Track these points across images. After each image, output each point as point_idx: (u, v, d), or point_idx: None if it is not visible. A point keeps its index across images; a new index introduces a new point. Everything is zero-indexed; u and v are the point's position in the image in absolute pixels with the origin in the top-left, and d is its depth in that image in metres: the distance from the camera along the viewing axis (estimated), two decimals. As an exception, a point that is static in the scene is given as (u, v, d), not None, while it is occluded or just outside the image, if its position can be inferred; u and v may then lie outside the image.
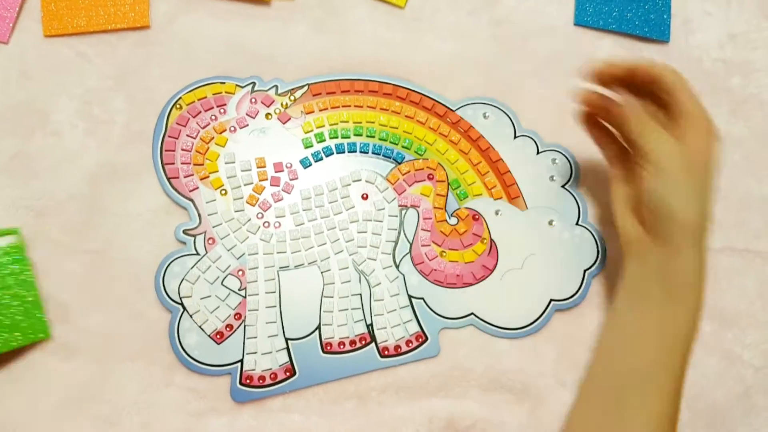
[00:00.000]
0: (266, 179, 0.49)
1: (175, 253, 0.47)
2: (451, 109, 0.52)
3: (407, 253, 0.49)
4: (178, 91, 0.50)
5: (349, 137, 0.51)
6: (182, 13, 0.52)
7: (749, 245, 0.51)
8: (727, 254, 0.51)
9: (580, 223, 0.50)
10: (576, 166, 0.52)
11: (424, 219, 0.49)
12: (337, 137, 0.51)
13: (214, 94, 0.50)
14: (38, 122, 0.50)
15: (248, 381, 0.45)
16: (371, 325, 0.47)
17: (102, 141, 0.49)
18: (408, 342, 0.47)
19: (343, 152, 0.50)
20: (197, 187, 0.48)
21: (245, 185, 0.48)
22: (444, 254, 0.49)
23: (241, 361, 0.45)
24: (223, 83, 0.50)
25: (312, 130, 0.51)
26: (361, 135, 0.51)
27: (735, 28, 0.56)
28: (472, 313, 0.48)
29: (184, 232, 0.47)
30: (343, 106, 0.51)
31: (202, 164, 0.49)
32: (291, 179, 0.49)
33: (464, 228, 0.49)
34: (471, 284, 0.48)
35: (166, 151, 0.48)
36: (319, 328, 0.46)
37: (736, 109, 0.55)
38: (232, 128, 0.50)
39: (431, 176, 0.51)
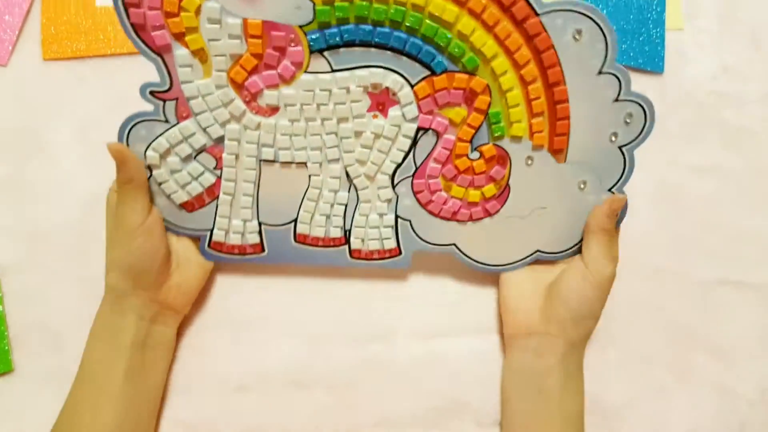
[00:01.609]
0: (260, 55, 0.38)
1: (141, 115, 0.40)
2: (536, 12, 0.37)
3: (409, 177, 0.44)
4: None
5: (382, 23, 0.37)
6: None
7: (744, 278, 0.52)
8: (722, 287, 0.52)
9: (614, 189, 0.45)
10: (650, 125, 0.42)
11: (441, 149, 0.42)
12: (366, 19, 0.37)
13: None
14: (34, 146, 0.51)
15: (217, 247, 0.47)
16: (349, 231, 0.47)
17: (98, 167, 0.45)
18: (381, 252, 0.48)
19: (369, 42, 0.38)
20: (169, 44, 0.37)
21: (231, 56, 0.38)
22: (449, 188, 0.44)
23: (211, 231, 0.46)
24: None
25: (335, 0, 0.37)
26: (399, 23, 0.37)
27: (728, 60, 0.57)
28: (453, 244, 0.47)
29: (152, 93, 0.40)
30: (385, -27, 0.36)
31: (177, 15, 0.36)
32: (293, 63, 0.39)
33: (482, 168, 0.43)
34: (463, 221, 0.46)
35: None
36: (294, 221, 0.46)
37: (729, 140, 0.56)
38: None
39: (470, 100, 0.40)
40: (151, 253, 0.42)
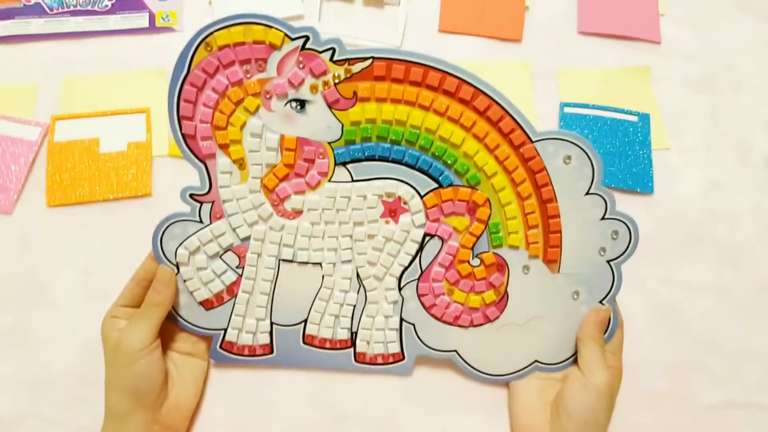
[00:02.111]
0: (291, 165, 0.44)
1: (178, 215, 0.45)
2: (531, 140, 0.45)
3: (414, 280, 0.48)
4: (208, 24, 0.41)
5: (399, 141, 0.44)
6: (183, 182, 0.46)
7: (750, 398, 0.52)
8: (727, 409, 0.52)
9: (606, 300, 0.50)
10: (635, 242, 0.48)
11: (445, 254, 0.48)
12: (386, 139, 0.44)
13: (254, 42, 0.41)
14: (37, 293, 0.52)
15: (228, 348, 0.50)
16: (355, 333, 0.50)
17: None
18: (384, 357, 0.51)
19: (387, 157, 0.45)
20: (213, 153, 0.44)
21: (267, 165, 0.44)
22: (451, 292, 0.49)
23: (225, 330, 0.49)
24: (270, 27, 0.41)
25: (360, 123, 0.44)
26: (414, 143, 0.44)
27: (716, 177, 0.60)
28: (455, 350, 0.51)
29: (191, 196, 0.45)
30: (406, 102, 0.43)
31: (225, 128, 0.43)
32: (319, 173, 0.45)
33: (483, 274, 0.48)
34: (465, 327, 0.50)
35: (184, 101, 0.42)
36: (305, 321, 0.49)
37: (726, 258, 0.57)
38: (268, 93, 0.42)
39: (472, 211, 0.46)
40: (153, 374, 0.43)
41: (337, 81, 0.42)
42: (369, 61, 0.42)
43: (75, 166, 0.55)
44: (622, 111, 0.61)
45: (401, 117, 0.44)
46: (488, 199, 0.46)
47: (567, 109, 0.61)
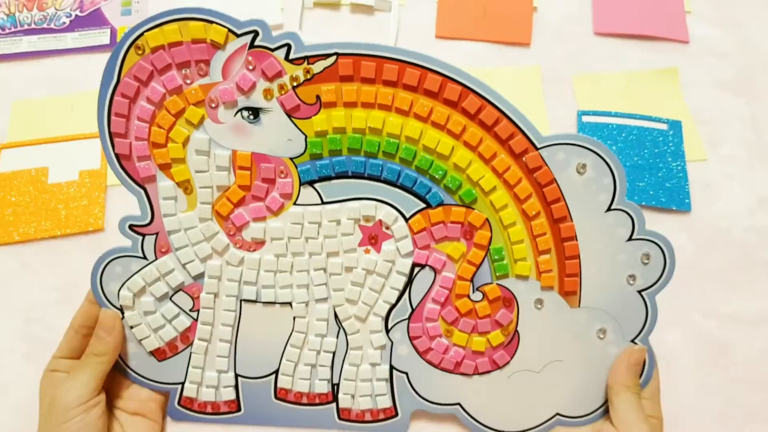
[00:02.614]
0: (248, 187, 0.37)
1: (118, 251, 0.38)
2: (535, 146, 0.37)
3: (405, 320, 0.40)
4: (138, 24, 0.34)
5: (375, 155, 0.37)
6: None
7: None
8: None
9: (638, 339, 0.41)
10: (671, 267, 0.40)
11: (439, 288, 0.40)
12: (359, 151, 0.37)
13: (193, 41, 0.34)
14: None
15: (188, 404, 0.42)
16: (337, 385, 0.42)
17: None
18: (374, 413, 0.43)
19: (362, 173, 0.38)
20: (153, 176, 0.37)
21: (218, 188, 0.37)
22: (450, 333, 0.41)
23: (182, 384, 0.42)
24: (210, 22, 0.34)
25: (327, 132, 0.36)
26: (393, 155, 0.37)
27: (764, 191, 0.53)
28: (458, 404, 0.42)
29: (131, 227, 0.39)
30: (380, 106, 0.36)
31: (164, 145, 0.36)
32: (282, 195, 0.38)
33: (486, 311, 0.40)
34: (468, 375, 0.42)
35: (115, 116, 0.35)
36: (276, 373, 0.41)
37: None
38: (213, 102, 0.36)
39: (469, 235, 0.39)
40: None
41: (295, 84, 0.35)
42: (332, 59, 0.35)
43: (20, 199, 0.49)
44: (650, 118, 0.54)
45: (375, 124, 0.36)
46: (487, 220, 0.38)
47: (585, 118, 0.54)
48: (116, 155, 0.36)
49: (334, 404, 0.42)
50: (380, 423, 0.42)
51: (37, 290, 0.47)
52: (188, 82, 0.35)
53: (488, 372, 0.41)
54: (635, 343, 0.40)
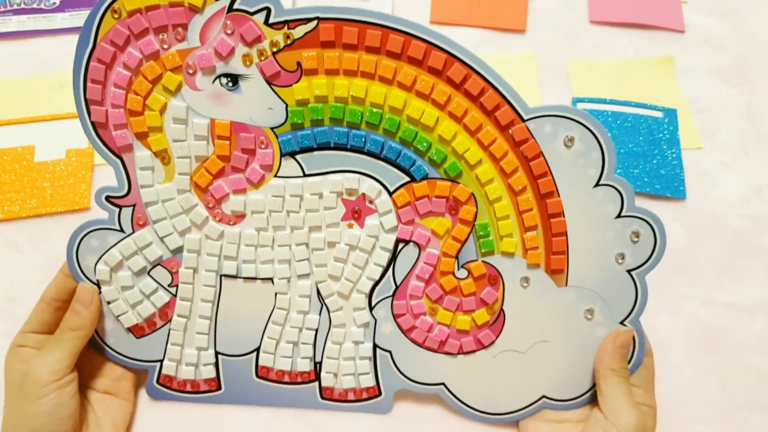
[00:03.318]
0: (227, 157, 0.36)
1: (95, 223, 0.37)
2: (522, 118, 0.36)
3: (388, 297, 0.39)
4: (115, -14, 0.34)
5: (358, 125, 0.36)
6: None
7: None
8: None
9: (627, 321, 0.40)
10: (662, 246, 0.39)
11: (424, 264, 0.39)
12: (341, 120, 0.36)
13: (170, 4, 0.33)
14: None
15: (167, 382, 0.41)
16: (319, 363, 0.41)
17: None
18: (357, 392, 0.42)
19: (344, 145, 0.37)
20: (130, 145, 0.36)
21: (196, 158, 0.36)
22: (434, 312, 0.40)
23: (161, 362, 0.41)
24: (188, -14, 0.34)
25: (308, 100, 0.35)
26: (376, 126, 0.36)
27: (758, 179, 0.52)
28: (442, 383, 0.41)
29: (107, 198, 0.38)
30: (362, 74, 0.35)
31: (141, 113, 0.35)
32: (262, 167, 0.37)
33: (471, 289, 0.39)
34: (453, 354, 0.41)
35: (91, 82, 0.34)
36: (257, 350, 0.40)
37: None
38: (191, 68, 0.35)
39: (454, 210, 0.38)
40: (63, 414, 0.35)
41: (275, 50, 0.34)
42: (313, 23, 0.34)
43: (5, 177, 0.48)
44: (645, 106, 0.53)
45: (358, 93, 0.35)
46: (473, 195, 0.37)
47: (580, 105, 0.54)
48: (92, 123, 0.35)
49: (316, 383, 0.41)
50: (363, 402, 0.41)
51: (21, 269, 0.46)
52: (165, 47, 0.34)
53: (473, 351, 0.40)
54: (624, 325, 0.39)
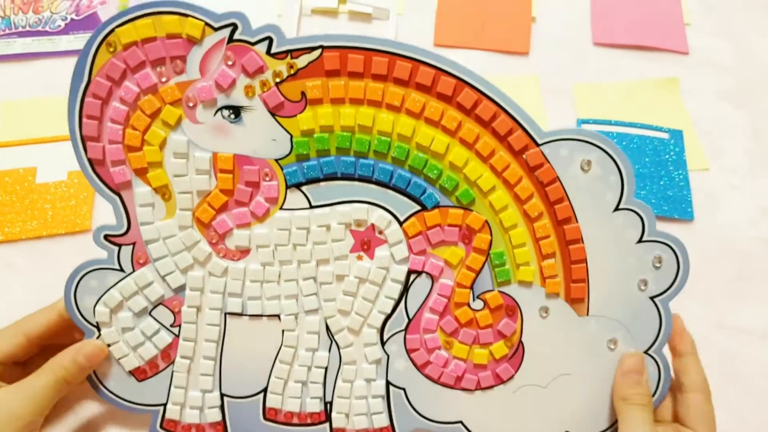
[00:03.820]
0: (230, 191, 0.35)
1: (93, 263, 0.36)
2: (536, 142, 0.35)
3: (401, 331, 0.38)
4: (109, 19, 0.33)
5: (365, 154, 0.35)
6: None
7: None
8: None
9: (651, 351, 0.38)
10: (685, 271, 0.37)
11: (437, 296, 0.38)
12: (348, 150, 0.35)
13: (168, 36, 0.33)
14: None
15: (171, 427, 0.40)
16: (330, 403, 0.39)
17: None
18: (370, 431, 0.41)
19: (352, 175, 0.36)
20: (129, 181, 0.35)
21: (198, 193, 0.35)
22: (449, 345, 0.38)
23: (164, 405, 0.39)
24: (185, 16, 0.32)
25: (313, 131, 0.34)
26: (385, 154, 0.35)
27: (766, 200, 0.52)
28: (460, 422, 0.39)
29: (106, 237, 0.37)
30: (369, 102, 0.34)
31: (140, 149, 0.34)
32: (267, 200, 0.36)
33: (488, 321, 0.37)
34: (470, 390, 0.40)
35: (86, 118, 0.33)
36: (264, 392, 0.39)
37: None
38: (191, 101, 0.34)
39: (468, 239, 0.36)
40: None
41: (278, 80, 0.33)
42: (317, 52, 0.33)
43: (6, 198, 0.47)
44: (651, 127, 0.53)
45: (365, 122, 0.34)
46: (487, 222, 0.36)
47: (586, 126, 0.54)
48: (89, 160, 0.34)
49: (327, 424, 0.39)
50: (377, 443, 0.40)
51: (20, 291, 0.45)
52: (164, 80, 0.33)
53: (491, 387, 0.38)
54: (652, 357, 0.37)
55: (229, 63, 0.33)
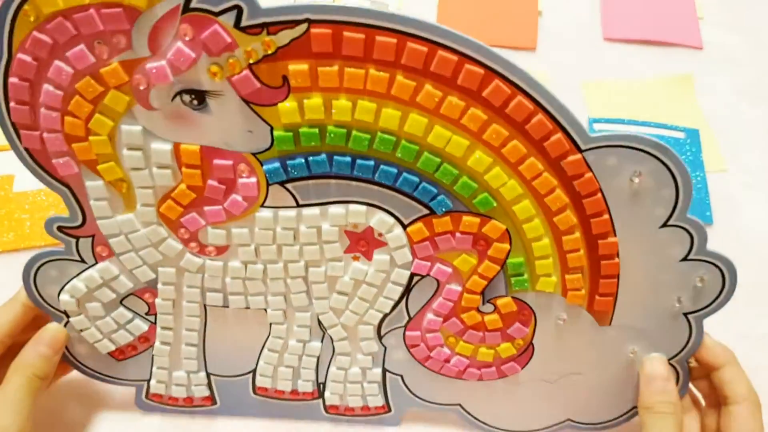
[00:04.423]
0: (200, 188, 0.29)
1: (51, 254, 0.32)
2: (579, 148, 0.28)
3: (400, 327, 0.35)
4: (21, -25, 0.24)
5: (365, 149, 0.29)
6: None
7: None
8: None
9: (674, 361, 0.35)
10: (729, 293, 0.32)
11: (443, 299, 0.33)
12: (343, 148, 0.28)
13: (103, 4, 0.24)
14: None
15: (157, 399, 0.39)
16: (323, 384, 0.38)
17: None
18: (364, 408, 0.39)
19: (348, 174, 0.30)
20: (77, 173, 0.29)
21: (161, 188, 0.29)
22: (452, 342, 0.35)
23: (148, 381, 0.38)
24: (125, -23, 0.24)
25: (299, 123, 0.28)
26: (389, 153, 0.29)
27: None
28: (458, 404, 0.38)
29: (60, 229, 0.32)
30: (371, 94, 0.27)
31: (84, 139, 0.28)
32: (245, 198, 0.30)
33: (497, 324, 0.34)
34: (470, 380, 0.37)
35: (15, 102, 0.26)
36: (253, 373, 0.37)
37: None
38: (141, 83, 0.26)
39: (482, 247, 0.31)
40: None
41: (252, 61, 0.26)
42: (302, 27, 0.25)
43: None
44: (666, 126, 0.51)
45: (365, 117, 0.27)
46: (507, 231, 0.31)
47: (597, 126, 0.52)
48: (26, 150, 0.28)
49: (320, 400, 0.38)
50: (370, 416, 0.39)
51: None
52: (105, 57, 0.26)
53: (493, 380, 0.37)
54: (671, 365, 0.35)
55: (187, 38, 0.25)
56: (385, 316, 0.34)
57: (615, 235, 0.30)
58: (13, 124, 0.27)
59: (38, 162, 0.29)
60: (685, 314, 0.33)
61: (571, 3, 0.61)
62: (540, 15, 0.60)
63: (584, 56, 0.58)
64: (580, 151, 0.28)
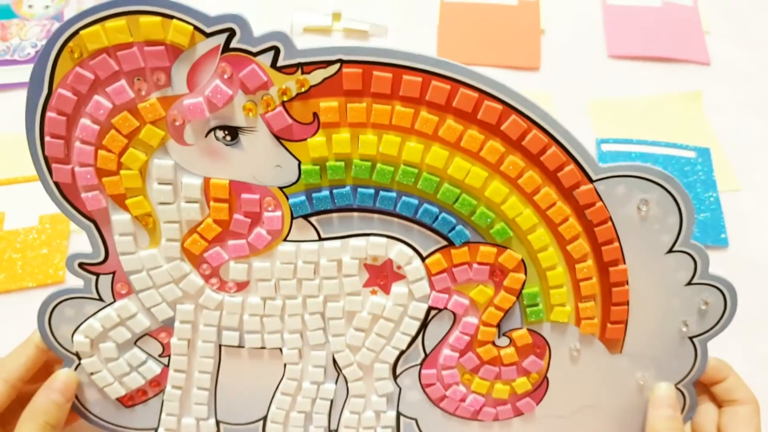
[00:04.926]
0: (225, 222, 0.31)
1: (68, 292, 0.32)
2: (590, 178, 0.31)
3: (416, 366, 0.36)
4: (71, 18, 0.26)
5: (388, 184, 0.31)
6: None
7: None
8: None
9: (681, 385, 0.37)
10: (731, 315, 0.35)
11: (460, 334, 0.35)
12: (368, 180, 0.31)
13: (146, 42, 0.27)
14: None
15: (163, 449, 0.39)
16: (335, 431, 0.39)
17: None
18: (377, 456, 0.39)
19: (370, 207, 0.32)
20: (104, 208, 0.31)
21: (187, 222, 0.31)
22: (467, 379, 0.36)
23: (155, 430, 0.37)
24: (169, 18, 0.26)
25: (326, 159, 0.30)
26: (411, 185, 0.31)
27: None
28: (472, 447, 0.39)
29: (81, 266, 0.33)
30: (396, 129, 0.29)
31: (116, 173, 0.29)
32: (269, 232, 0.32)
33: (513, 359, 0.35)
34: (486, 421, 0.38)
35: (50, 137, 0.28)
36: (264, 420, 0.37)
37: None
38: (177, 119, 0.29)
39: (498, 277, 0.33)
40: None
41: (285, 99, 0.28)
42: (334, 67, 0.28)
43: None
44: (676, 145, 0.51)
45: (390, 151, 0.29)
46: (522, 261, 0.33)
47: (605, 147, 0.51)
48: (56, 184, 0.30)
49: (332, 450, 0.38)
50: (383, 468, 0.39)
51: None
52: (143, 94, 0.28)
53: (509, 419, 0.38)
54: (680, 391, 0.36)
55: (225, 76, 0.27)
56: (402, 353, 0.35)
57: (624, 263, 0.33)
58: (45, 158, 0.29)
59: (66, 196, 0.30)
60: (691, 338, 0.35)
61: (574, 20, 0.60)
62: (543, 33, 0.59)
63: (589, 74, 0.58)
64: (591, 181, 0.31)
